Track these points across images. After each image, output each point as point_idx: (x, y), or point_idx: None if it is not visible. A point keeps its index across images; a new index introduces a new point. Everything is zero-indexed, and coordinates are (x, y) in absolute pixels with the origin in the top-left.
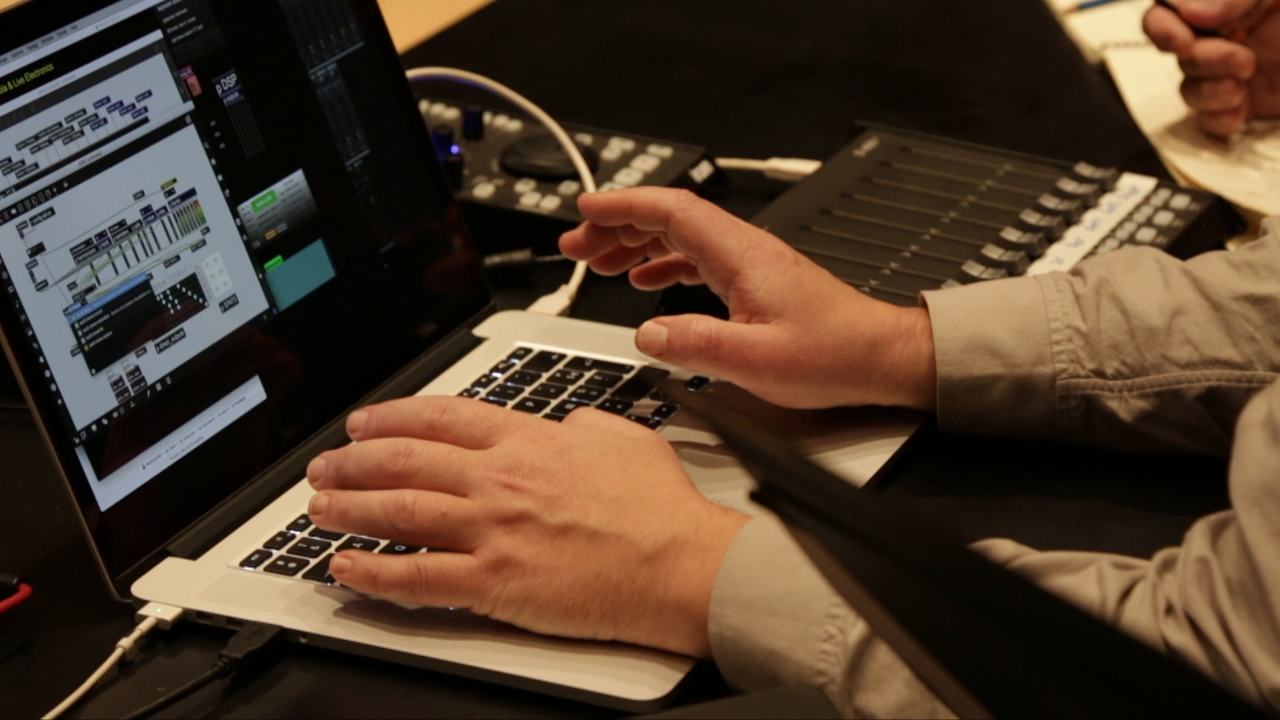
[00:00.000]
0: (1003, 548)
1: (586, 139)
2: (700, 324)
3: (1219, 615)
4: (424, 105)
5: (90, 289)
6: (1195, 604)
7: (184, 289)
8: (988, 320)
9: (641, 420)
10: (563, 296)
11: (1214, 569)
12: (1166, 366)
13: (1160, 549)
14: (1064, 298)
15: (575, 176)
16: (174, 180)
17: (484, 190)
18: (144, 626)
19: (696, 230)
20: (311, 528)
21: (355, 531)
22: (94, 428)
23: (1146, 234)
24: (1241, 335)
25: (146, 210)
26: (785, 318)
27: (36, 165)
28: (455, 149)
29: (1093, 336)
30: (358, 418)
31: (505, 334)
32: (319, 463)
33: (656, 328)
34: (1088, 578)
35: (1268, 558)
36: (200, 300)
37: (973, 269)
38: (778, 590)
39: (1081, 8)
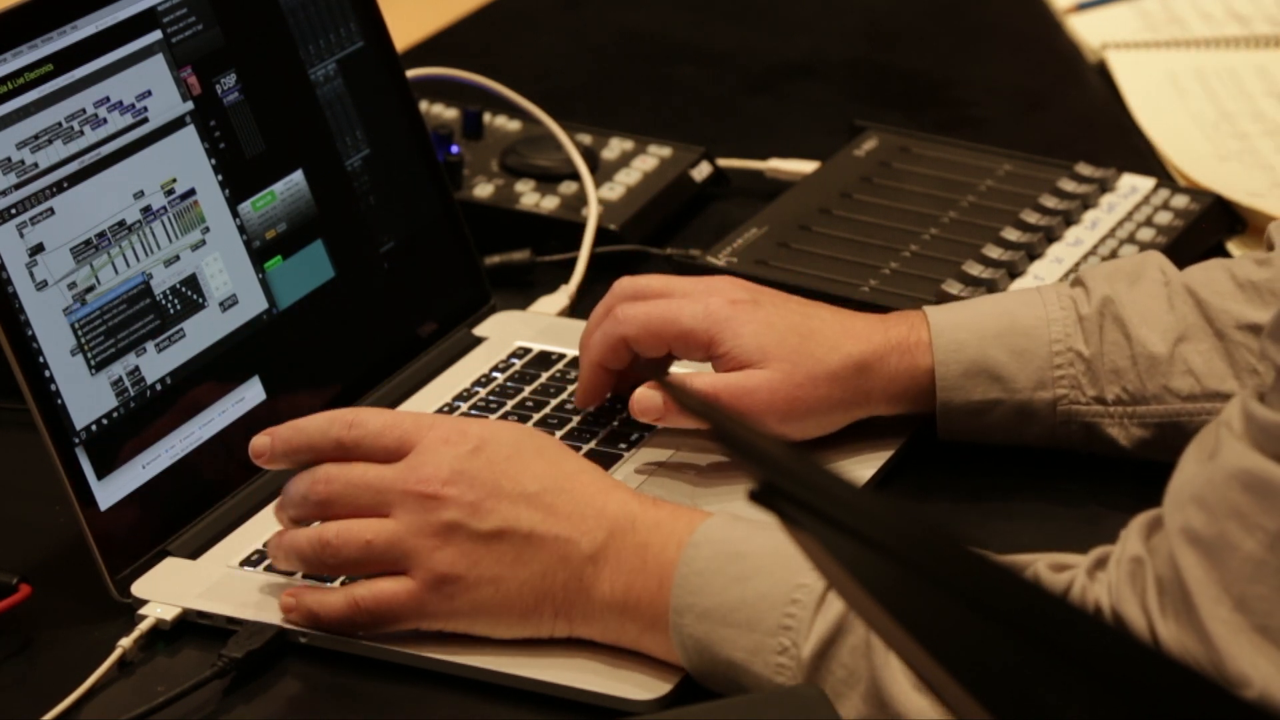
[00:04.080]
0: None
1: (586, 139)
2: (697, 382)
3: (1147, 616)
4: (424, 105)
5: (90, 289)
6: (1127, 603)
7: (184, 289)
8: (989, 343)
9: (639, 421)
10: (562, 296)
11: (1146, 568)
12: (1167, 398)
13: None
14: (1067, 317)
15: (575, 176)
16: (174, 180)
17: (484, 190)
18: (144, 626)
19: (652, 334)
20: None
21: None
22: (94, 428)
23: (1146, 233)
24: (1244, 367)
25: (146, 210)
26: (771, 360)
27: (36, 165)
28: (455, 149)
29: (1095, 362)
30: (260, 443)
31: (505, 334)
32: (276, 508)
33: (651, 394)
34: None
35: (1188, 562)
36: (200, 300)
37: (973, 269)
38: (731, 600)
39: (1081, 8)
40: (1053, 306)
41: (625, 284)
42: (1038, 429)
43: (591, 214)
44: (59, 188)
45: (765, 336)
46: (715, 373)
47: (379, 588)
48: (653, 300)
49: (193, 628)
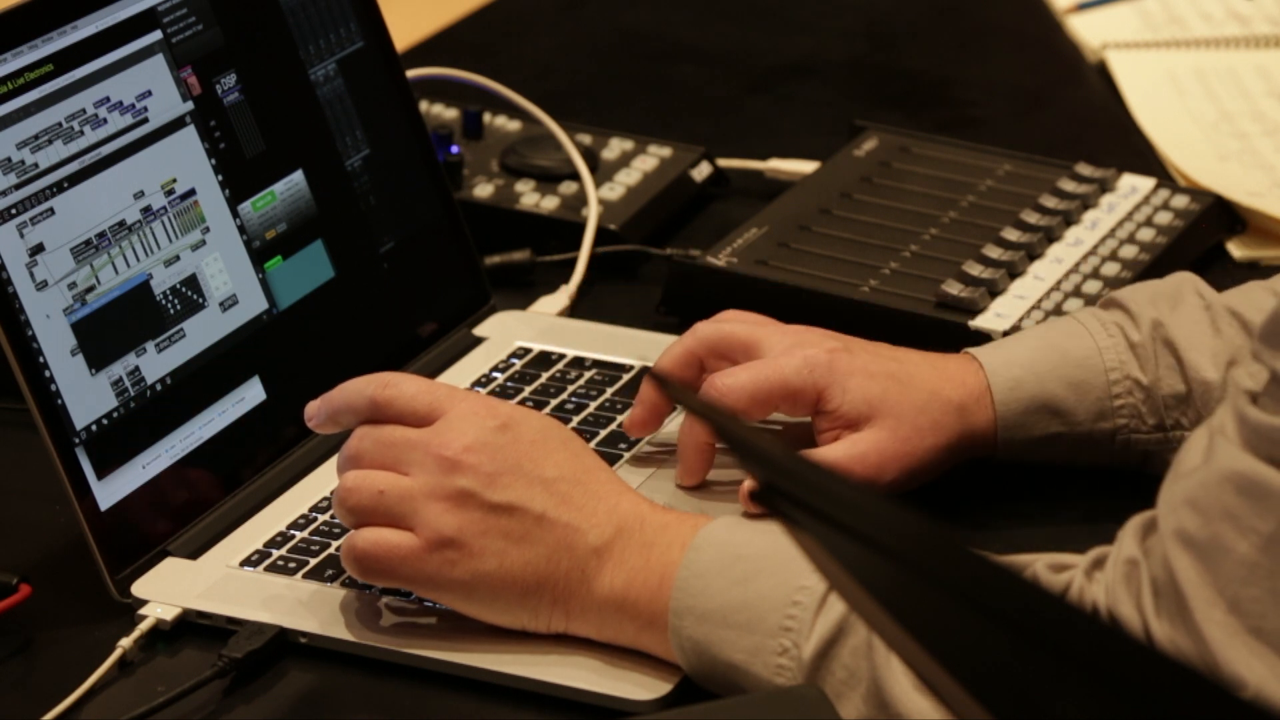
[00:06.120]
0: None
1: (586, 139)
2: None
3: (1142, 617)
4: (424, 105)
5: (90, 289)
6: (1122, 605)
7: (184, 289)
8: (1046, 378)
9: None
10: (563, 296)
11: (1142, 570)
12: None
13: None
14: (1117, 344)
15: (575, 176)
16: (174, 180)
17: (484, 190)
18: (144, 626)
19: (760, 403)
20: (311, 527)
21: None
22: (94, 428)
23: (1146, 234)
24: None
25: (146, 210)
26: (876, 417)
27: (36, 165)
28: (455, 149)
29: (1153, 390)
30: (310, 407)
31: (505, 334)
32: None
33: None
34: None
35: (1182, 564)
36: (200, 300)
37: (973, 269)
38: (733, 601)
39: (1081, 8)
40: (1099, 335)
41: (708, 333)
42: (1097, 457)
43: (591, 214)
44: (59, 188)
45: (869, 389)
46: (818, 446)
47: (380, 534)
48: (749, 366)
49: (193, 628)
